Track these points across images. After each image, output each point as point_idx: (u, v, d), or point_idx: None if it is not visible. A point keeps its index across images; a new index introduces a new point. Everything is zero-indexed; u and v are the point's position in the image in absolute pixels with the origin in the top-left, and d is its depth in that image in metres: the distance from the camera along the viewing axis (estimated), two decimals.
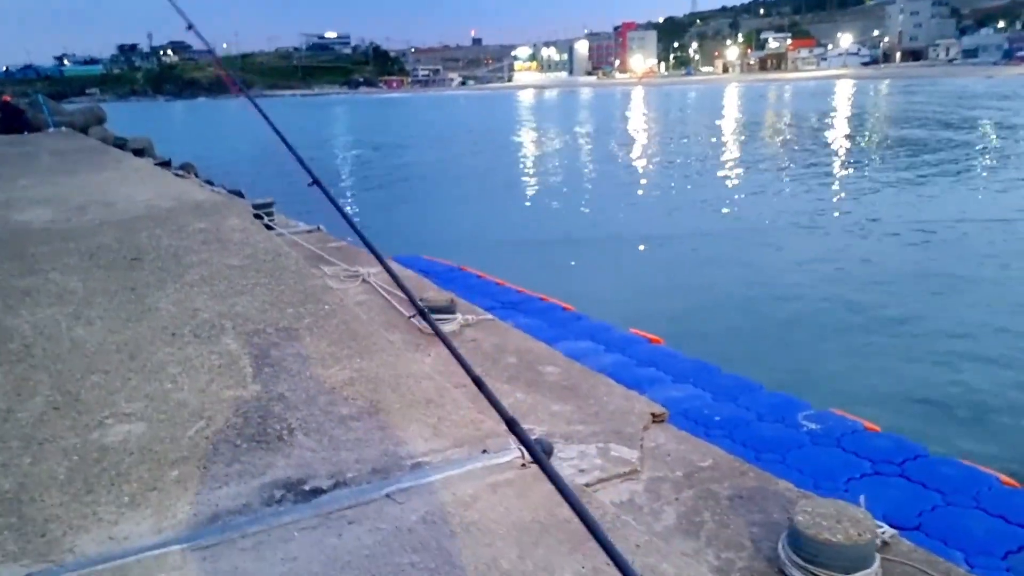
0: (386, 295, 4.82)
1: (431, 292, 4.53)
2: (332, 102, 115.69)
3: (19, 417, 2.46)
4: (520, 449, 2.19)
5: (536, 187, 20.34)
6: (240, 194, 11.11)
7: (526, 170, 24.48)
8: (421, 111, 77.70)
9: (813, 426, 4.10)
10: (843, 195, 16.74)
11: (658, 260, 11.49)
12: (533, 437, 1.98)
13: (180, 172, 13.11)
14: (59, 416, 2.47)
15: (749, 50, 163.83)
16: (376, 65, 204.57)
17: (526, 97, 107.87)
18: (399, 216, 15.46)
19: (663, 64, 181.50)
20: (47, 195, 6.65)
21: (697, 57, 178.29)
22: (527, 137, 38.01)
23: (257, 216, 7.41)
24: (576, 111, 65.47)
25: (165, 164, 14.53)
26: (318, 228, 7.75)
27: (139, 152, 16.01)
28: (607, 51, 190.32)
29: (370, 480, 2.09)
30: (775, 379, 5.20)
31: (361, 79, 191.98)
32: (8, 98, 19.64)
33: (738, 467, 2.75)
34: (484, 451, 2.26)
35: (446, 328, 4.41)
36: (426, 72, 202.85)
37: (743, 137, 32.74)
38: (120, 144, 16.72)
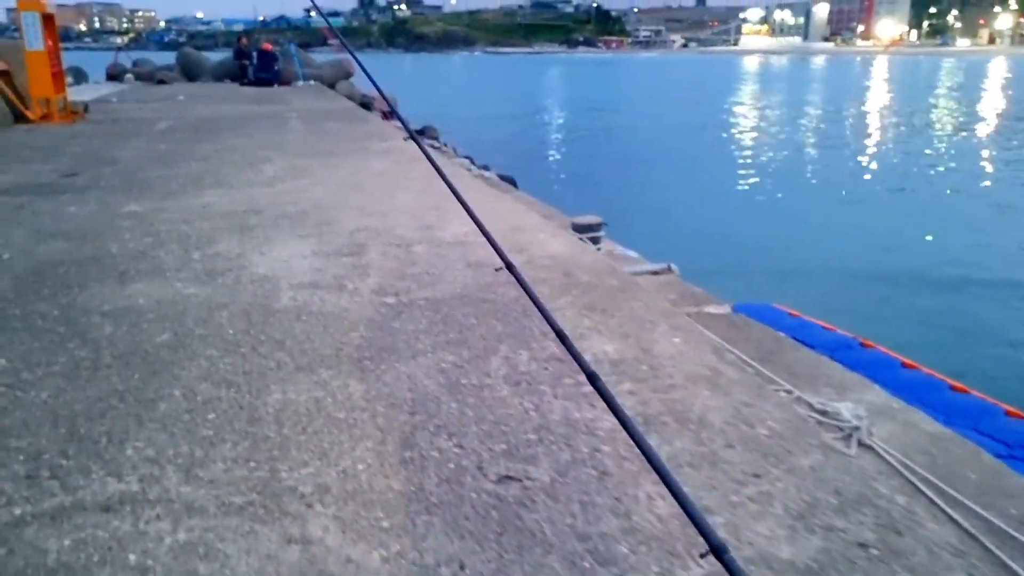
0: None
1: None
2: (550, 62, 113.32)
3: None
4: None
5: (825, 189, 16.33)
6: (512, 181, 8.73)
7: (787, 162, 20.18)
8: (639, 76, 73.12)
9: None
10: None
11: None
12: None
13: (435, 143, 11.10)
14: None
15: None
16: (597, 24, 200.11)
17: (753, 63, 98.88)
18: (645, 220, 11.26)
19: (914, 32, 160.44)
20: (303, 204, 4.46)
21: (958, 25, 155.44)
22: (786, 124, 33.21)
23: (582, 241, 4.94)
24: (819, 82, 58.04)
25: (418, 133, 12.61)
26: (668, 268, 5.08)
27: (386, 115, 14.35)
28: (849, 15, 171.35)
29: None
30: None
31: (580, 39, 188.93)
32: (269, 46, 18.88)
33: None
34: None
35: None
36: (647, 33, 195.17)
37: None
38: (366, 104, 15.20)
